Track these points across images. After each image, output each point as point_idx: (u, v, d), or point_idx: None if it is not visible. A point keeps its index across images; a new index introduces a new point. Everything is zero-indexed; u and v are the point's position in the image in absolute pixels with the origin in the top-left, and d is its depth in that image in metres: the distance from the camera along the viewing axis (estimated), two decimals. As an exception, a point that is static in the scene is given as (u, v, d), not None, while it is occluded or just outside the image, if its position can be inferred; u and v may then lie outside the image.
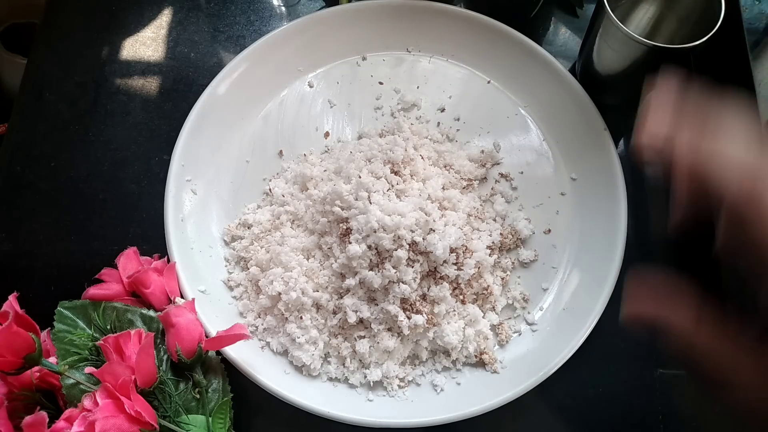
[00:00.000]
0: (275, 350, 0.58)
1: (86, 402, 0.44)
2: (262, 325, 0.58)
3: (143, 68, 0.72)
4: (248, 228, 0.63)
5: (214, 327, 0.56)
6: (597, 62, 0.63)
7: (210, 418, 0.51)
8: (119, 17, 0.74)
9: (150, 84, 0.71)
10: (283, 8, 0.75)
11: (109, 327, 0.52)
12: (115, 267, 0.56)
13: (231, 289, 0.61)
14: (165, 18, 0.74)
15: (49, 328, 0.51)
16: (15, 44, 1.01)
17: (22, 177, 0.66)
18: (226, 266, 0.62)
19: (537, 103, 0.68)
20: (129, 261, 0.57)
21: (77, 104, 0.70)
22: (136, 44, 0.73)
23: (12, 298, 0.46)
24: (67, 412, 0.45)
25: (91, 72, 0.71)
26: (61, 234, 0.64)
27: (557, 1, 0.73)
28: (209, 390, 0.52)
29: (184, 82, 0.70)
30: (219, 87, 0.66)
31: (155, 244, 0.60)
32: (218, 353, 0.54)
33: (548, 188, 0.65)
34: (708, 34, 0.54)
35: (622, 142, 0.68)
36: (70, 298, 0.53)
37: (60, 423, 0.45)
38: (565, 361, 0.55)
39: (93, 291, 0.54)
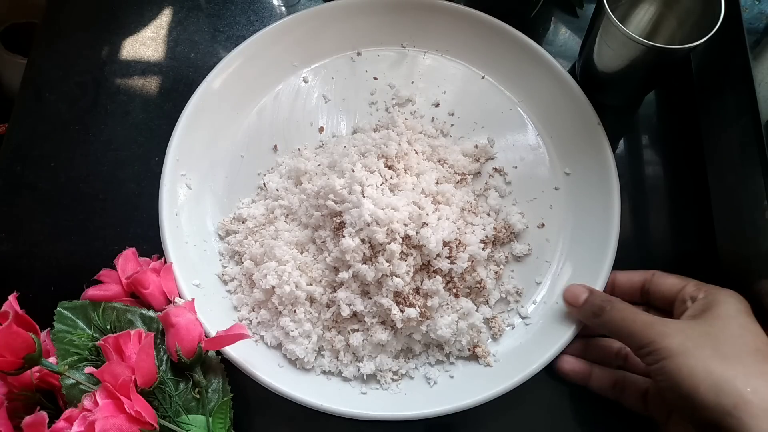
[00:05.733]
0: (269, 344, 0.58)
1: (86, 402, 0.44)
2: (256, 318, 0.59)
3: (143, 68, 0.72)
4: (242, 222, 0.63)
5: (209, 321, 0.56)
6: (597, 62, 0.63)
7: (210, 418, 0.51)
8: (119, 17, 0.74)
9: (150, 84, 0.71)
10: (283, 8, 0.75)
11: (108, 327, 0.52)
12: (114, 268, 0.56)
13: (225, 283, 0.61)
14: (165, 18, 0.74)
15: (49, 329, 0.51)
16: (15, 44, 1.01)
17: (22, 177, 0.66)
18: (220, 260, 0.62)
19: (531, 99, 0.68)
20: (128, 262, 0.57)
21: (77, 104, 0.70)
22: (136, 44, 0.73)
23: (12, 298, 0.46)
24: (67, 412, 0.45)
25: (91, 72, 0.71)
26: (61, 234, 0.64)
27: (557, 1, 0.73)
28: (209, 390, 0.52)
29: (184, 82, 0.70)
30: (214, 82, 0.66)
31: (155, 244, 0.60)
32: (217, 352, 0.54)
33: (542, 183, 0.65)
34: (708, 34, 0.54)
35: (622, 141, 0.68)
36: (70, 298, 0.53)
37: (60, 423, 0.45)
38: (557, 354, 0.56)
39: (92, 292, 0.54)
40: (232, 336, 0.51)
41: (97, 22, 0.74)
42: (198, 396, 0.52)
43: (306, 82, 0.70)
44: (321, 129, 0.68)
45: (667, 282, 0.55)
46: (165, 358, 0.52)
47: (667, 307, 0.55)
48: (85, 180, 0.66)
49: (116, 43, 0.73)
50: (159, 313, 0.52)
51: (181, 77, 0.71)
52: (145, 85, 0.71)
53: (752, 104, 0.57)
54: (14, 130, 0.69)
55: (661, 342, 0.47)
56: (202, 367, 0.53)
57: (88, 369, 0.47)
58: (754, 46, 0.59)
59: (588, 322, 0.55)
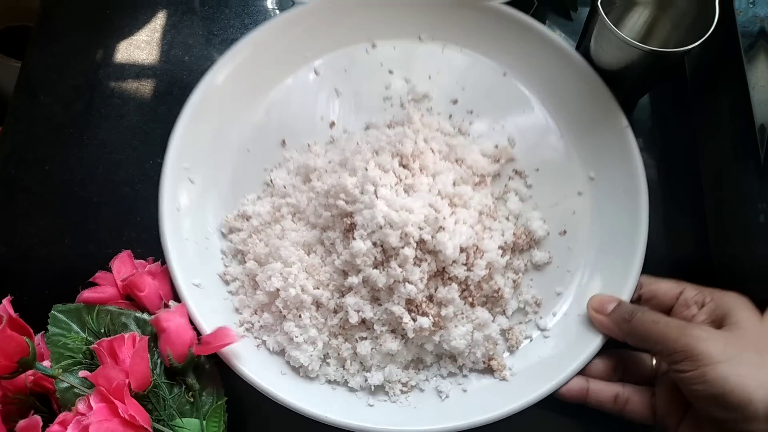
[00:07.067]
0: (271, 349, 0.56)
1: (80, 406, 0.44)
2: (259, 322, 0.56)
3: (137, 71, 0.71)
4: (247, 220, 0.60)
5: (208, 323, 0.54)
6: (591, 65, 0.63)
7: (204, 422, 0.51)
8: (113, 20, 0.74)
9: (144, 87, 0.71)
10: (278, 11, 0.75)
11: (103, 330, 0.52)
12: (110, 270, 0.56)
13: (227, 283, 0.59)
14: (159, 21, 0.74)
15: (43, 332, 0.51)
16: (9, 47, 1.02)
17: (16, 180, 0.66)
18: (222, 259, 0.60)
19: (556, 98, 0.65)
20: (123, 264, 0.56)
21: (71, 107, 0.69)
22: (131, 47, 0.73)
23: (6, 302, 0.46)
24: (61, 416, 0.45)
25: (86, 75, 0.71)
26: (55, 237, 0.64)
27: (551, 5, 0.74)
28: (203, 393, 0.52)
29: (178, 85, 0.70)
30: (221, 72, 0.62)
31: (149, 247, 0.60)
32: (214, 356, 0.54)
33: (565, 187, 0.62)
34: (702, 37, 0.54)
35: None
36: (64, 301, 0.52)
37: (54, 427, 0.44)
38: (578, 370, 0.54)
39: (87, 294, 0.54)
40: (220, 344, 0.51)
41: (92, 25, 0.74)
42: (192, 399, 0.52)
43: (317, 74, 0.67)
44: (332, 124, 0.65)
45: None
46: (159, 361, 0.52)
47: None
48: (80, 183, 0.66)
49: (110, 46, 0.73)
50: (152, 317, 0.52)
51: (175, 80, 0.71)
52: (140, 89, 0.70)
53: (746, 107, 0.57)
54: (8, 133, 0.68)
55: (698, 347, 0.45)
56: (196, 370, 0.53)
57: (82, 373, 0.47)
58: (748, 50, 0.59)
59: (616, 330, 0.52)
